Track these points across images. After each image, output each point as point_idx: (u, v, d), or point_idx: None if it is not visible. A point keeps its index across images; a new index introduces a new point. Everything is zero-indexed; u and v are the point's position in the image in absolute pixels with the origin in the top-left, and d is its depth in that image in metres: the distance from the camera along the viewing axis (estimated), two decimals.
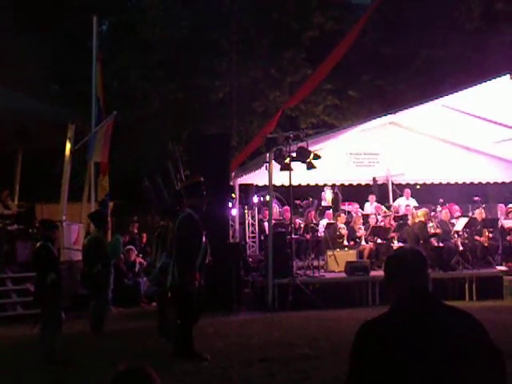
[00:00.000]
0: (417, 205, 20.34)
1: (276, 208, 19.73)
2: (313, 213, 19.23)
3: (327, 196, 21.14)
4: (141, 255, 18.82)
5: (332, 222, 19.18)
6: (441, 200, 20.29)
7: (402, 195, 21.17)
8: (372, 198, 21.06)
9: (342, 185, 21.91)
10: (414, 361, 3.00)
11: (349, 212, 20.53)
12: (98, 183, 17.85)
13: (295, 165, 15.79)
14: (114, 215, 20.62)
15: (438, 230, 18.04)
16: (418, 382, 2.98)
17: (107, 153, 17.69)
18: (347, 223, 19.22)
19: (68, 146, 17.45)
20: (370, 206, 20.84)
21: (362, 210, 20.95)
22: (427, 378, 2.98)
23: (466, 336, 3.11)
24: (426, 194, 22.65)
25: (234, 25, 27.21)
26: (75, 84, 25.70)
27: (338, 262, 17.34)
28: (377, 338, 3.12)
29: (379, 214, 19.85)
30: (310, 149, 15.71)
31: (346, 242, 18.52)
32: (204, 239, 9.86)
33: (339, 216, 19.25)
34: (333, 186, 21.34)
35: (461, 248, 17.95)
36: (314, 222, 19.16)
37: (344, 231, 18.65)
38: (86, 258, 13.27)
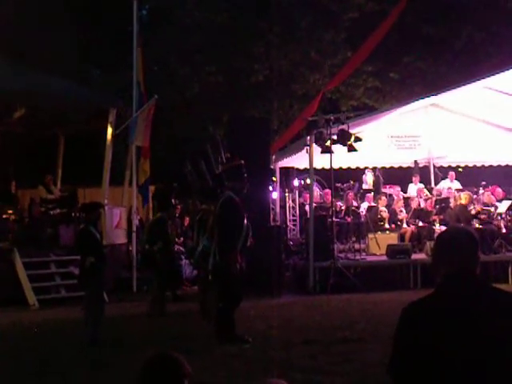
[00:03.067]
0: (460, 187, 20.13)
1: (317, 191, 19.67)
2: (351, 195, 19.12)
3: (368, 179, 21.03)
4: (182, 238, 18.91)
5: (373, 204, 19.10)
6: (483, 182, 20.09)
7: (444, 178, 20.97)
8: (416, 179, 20.88)
9: (383, 167, 21.80)
10: (459, 343, 2.98)
11: (390, 195, 20.40)
12: (139, 167, 17.94)
13: (336, 147, 15.70)
14: (154, 199, 20.76)
15: (481, 213, 17.89)
16: (463, 364, 2.96)
17: (148, 137, 17.78)
18: (388, 206, 19.13)
19: (109, 130, 17.56)
20: (414, 187, 20.64)
21: (404, 192, 20.81)
22: (472, 361, 2.96)
23: None
24: (468, 176, 22.40)
25: (273, 7, 27.05)
26: (116, 69, 25.81)
27: (379, 244, 17.27)
28: (421, 321, 3.10)
29: (421, 197, 19.69)
30: (351, 131, 15.61)
31: (387, 225, 18.46)
32: (246, 221, 9.88)
33: (380, 199, 19.17)
34: (374, 169, 21.24)
35: (504, 230, 17.80)
36: (355, 204, 19.09)
37: (385, 214, 18.59)
38: (148, 236, 13.40)
